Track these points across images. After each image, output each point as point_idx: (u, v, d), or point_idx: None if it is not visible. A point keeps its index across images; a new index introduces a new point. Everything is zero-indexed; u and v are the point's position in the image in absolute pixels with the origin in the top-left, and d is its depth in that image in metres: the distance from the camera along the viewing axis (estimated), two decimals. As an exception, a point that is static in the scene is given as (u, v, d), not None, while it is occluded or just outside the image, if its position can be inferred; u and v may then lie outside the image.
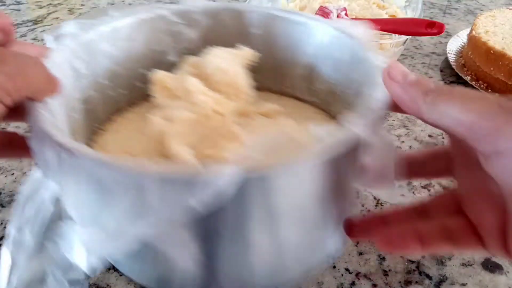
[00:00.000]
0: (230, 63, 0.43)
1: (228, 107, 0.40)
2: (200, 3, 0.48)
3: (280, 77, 0.51)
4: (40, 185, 0.31)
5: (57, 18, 0.90)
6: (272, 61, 0.50)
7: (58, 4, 0.98)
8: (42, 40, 0.80)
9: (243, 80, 0.43)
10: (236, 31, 0.49)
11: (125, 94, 0.48)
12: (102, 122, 0.46)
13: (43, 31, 0.83)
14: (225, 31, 0.49)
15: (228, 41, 0.47)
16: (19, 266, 0.30)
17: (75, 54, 0.39)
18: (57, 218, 0.30)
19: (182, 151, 0.36)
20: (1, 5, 0.94)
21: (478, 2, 1.13)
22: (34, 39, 0.79)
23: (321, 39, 0.45)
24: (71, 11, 0.94)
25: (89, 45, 0.41)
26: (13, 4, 0.96)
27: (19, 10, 0.94)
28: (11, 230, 0.30)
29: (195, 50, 0.48)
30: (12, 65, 0.25)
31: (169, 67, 0.47)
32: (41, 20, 0.89)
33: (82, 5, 0.97)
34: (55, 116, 0.29)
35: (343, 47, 0.42)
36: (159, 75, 0.43)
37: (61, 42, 0.39)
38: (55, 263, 0.29)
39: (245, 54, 0.45)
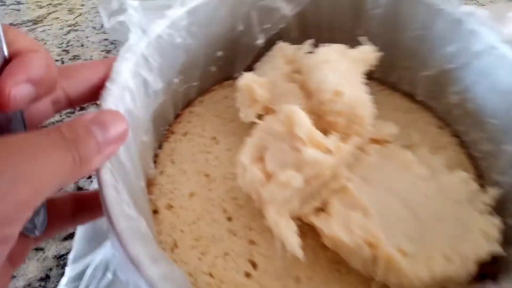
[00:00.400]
0: (349, 79, 0.33)
1: (342, 154, 0.30)
2: None
3: (398, 70, 0.41)
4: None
5: (57, 18, 0.90)
6: (390, 50, 0.38)
7: (58, 4, 0.98)
8: (42, 40, 0.80)
9: (366, 110, 0.32)
10: (347, 9, 0.38)
11: (196, 85, 0.39)
12: (170, 121, 0.39)
13: (43, 31, 0.83)
14: (331, 7, 0.38)
15: (334, 22, 0.39)
16: None
17: (146, 62, 0.31)
18: None
19: (282, 226, 0.28)
20: (1, 5, 0.94)
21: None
22: (34, 39, 0.79)
23: (473, 45, 0.33)
24: (71, 11, 0.94)
25: (161, 42, 0.32)
26: (13, 4, 0.97)
27: (19, 10, 0.93)
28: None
29: (288, 31, 0.39)
30: None
31: (254, 50, 0.39)
32: (41, 20, 0.89)
33: (82, 5, 0.97)
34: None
35: (502, 65, 0.31)
36: (247, 80, 0.34)
37: (126, 47, 0.29)
38: None
39: (367, 58, 0.35)
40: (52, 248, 0.38)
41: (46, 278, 0.36)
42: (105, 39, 0.81)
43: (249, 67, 0.41)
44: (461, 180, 0.33)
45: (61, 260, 0.37)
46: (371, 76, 0.41)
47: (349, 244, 0.28)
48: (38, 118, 0.26)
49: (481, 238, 0.29)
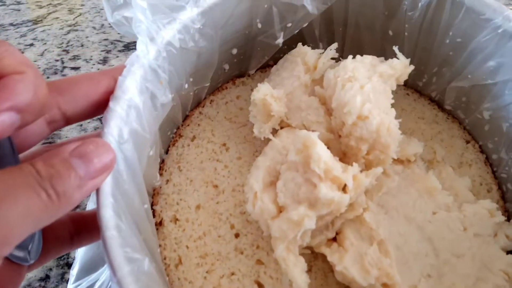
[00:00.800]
0: (377, 101, 0.29)
1: (360, 185, 0.27)
2: None
3: (427, 74, 0.37)
4: None
5: (57, 18, 0.89)
6: (421, 54, 0.36)
7: (58, 4, 0.98)
8: (42, 39, 0.80)
9: (392, 138, 0.29)
10: (381, 7, 0.35)
11: (207, 86, 0.36)
12: (178, 124, 0.36)
13: (43, 31, 0.83)
14: (362, 4, 0.35)
15: (363, 20, 0.35)
16: None
17: (154, 74, 0.27)
18: None
19: (291, 263, 0.26)
20: (1, 5, 0.94)
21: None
22: (34, 39, 0.79)
23: None
24: (71, 11, 0.94)
25: (171, 50, 0.29)
26: (13, 4, 0.96)
27: (19, 10, 0.93)
28: None
29: (311, 29, 0.36)
30: None
31: (272, 49, 0.36)
32: (41, 20, 0.89)
33: (82, 5, 0.97)
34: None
35: None
36: (262, 94, 0.31)
37: (133, 58, 0.26)
38: None
39: (398, 74, 0.31)
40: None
41: (46, 278, 0.36)
42: (105, 39, 0.81)
43: (264, 66, 0.38)
44: (487, 211, 0.31)
45: (61, 260, 0.37)
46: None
47: (362, 283, 0.26)
48: (32, 140, 0.24)
49: (501, 279, 0.28)
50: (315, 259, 0.31)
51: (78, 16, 0.94)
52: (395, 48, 0.33)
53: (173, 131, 0.36)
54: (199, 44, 0.31)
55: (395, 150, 0.30)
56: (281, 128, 0.33)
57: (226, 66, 0.37)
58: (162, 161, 0.35)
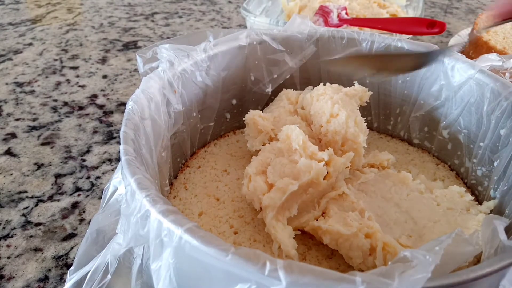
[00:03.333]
0: (344, 106, 0.37)
1: (337, 165, 0.33)
2: (306, 28, 0.44)
3: (391, 117, 0.45)
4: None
5: (56, 17, 0.89)
6: (383, 98, 0.44)
7: (57, 3, 0.98)
8: (41, 39, 0.79)
9: (360, 128, 0.36)
10: (344, 59, 0.44)
11: (212, 126, 0.44)
12: (186, 156, 0.42)
13: (42, 30, 0.82)
14: (330, 60, 0.44)
15: (332, 72, 0.44)
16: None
17: (170, 86, 0.36)
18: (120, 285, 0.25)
19: (279, 229, 0.30)
20: (0, 5, 0.94)
21: (479, 1, 1.13)
22: (33, 38, 0.79)
23: (453, 79, 0.38)
24: (70, 10, 0.94)
25: (184, 76, 0.38)
26: (12, 3, 0.96)
27: (18, 9, 0.93)
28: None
29: (292, 81, 0.45)
30: None
31: (263, 98, 0.45)
32: (40, 20, 0.88)
33: (81, 4, 0.96)
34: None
35: (482, 92, 0.36)
36: (252, 114, 0.39)
37: (156, 71, 0.35)
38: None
39: (359, 95, 0.40)
40: (51, 249, 0.38)
41: (45, 279, 0.36)
42: (104, 39, 0.81)
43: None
44: (457, 193, 0.35)
45: (60, 261, 0.37)
46: (370, 126, 0.47)
47: (347, 233, 0.29)
48: None
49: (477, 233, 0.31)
50: (309, 250, 0.33)
51: (77, 15, 0.93)
52: (355, 82, 0.41)
53: (182, 161, 0.42)
54: (206, 81, 0.40)
55: (364, 140, 0.36)
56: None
57: (228, 115, 0.46)
58: (171, 184, 0.40)
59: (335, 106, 0.37)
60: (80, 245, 0.27)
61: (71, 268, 0.27)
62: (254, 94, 0.45)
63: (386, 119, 0.46)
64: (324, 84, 0.41)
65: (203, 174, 0.41)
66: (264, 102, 0.46)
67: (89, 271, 0.25)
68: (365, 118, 0.45)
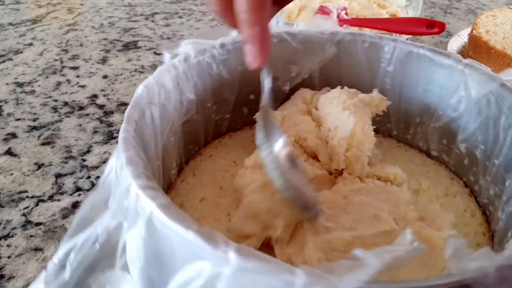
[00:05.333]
0: (355, 112, 0.37)
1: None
2: (328, 28, 0.43)
3: (411, 126, 0.44)
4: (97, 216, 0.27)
5: (56, 17, 0.89)
6: (404, 106, 0.43)
7: (57, 3, 0.97)
8: (41, 39, 0.79)
9: (366, 136, 0.36)
10: (365, 66, 0.43)
11: (227, 118, 0.45)
12: (200, 145, 0.44)
13: (42, 30, 0.82)
14: (351, 63, 0.44)
15: (353, 78, 0.43)
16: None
17: (185, 75, 0.37)
18: (107, 258, 0.26)
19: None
20: (0, 5, 0.94)
21: (478, 1, 1.12)
22: (33, 38, 0.79)
23: (475, 92, 0.37)
24: (70, 10, 0.94)
25: (200, 67, 0.39)
26: (12, 3, 0.96)
27: (18, 9, 0.93)
28: (54, 260, 0.27)
29: (312, 82, 0.45)
30: None
31: (281, 96, 0.44)
32: (40, 20, 0.88)
33: (82, 4, 0.97)
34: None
35: (501, 107, 0.34)
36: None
37: (171, 62, 0.37)
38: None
39: (376, 103, 0.39)
40: (51, 249, 0.38)
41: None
42: (104, 39, 0.81)
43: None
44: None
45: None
46: (389, 134, 0.46)
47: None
48: None
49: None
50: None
51: (77, 15, 0.94)
52: (375, 90, 0.40)
53: (195, 149, 0.43)
54: (223, 73, 0.41)
55: (369, 148, 0.35)
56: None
57: (245, 110, 0.46)
58: (182, 169, 0.42)
59: (346, 111, 0.36)
60: (73, 220, 0.28)
61: (64, 237, 0.28)
62: (273, 91, 0.45)
63: (406, 127, 0.45)
64: (342, 88, 0.41)
65: (212, 163, 0.42)
66: (281, 99, 0.46)
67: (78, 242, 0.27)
68: (384, 125, 0.45)
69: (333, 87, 0.42)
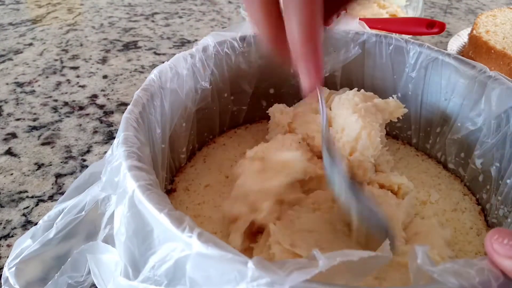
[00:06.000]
0: (365, 116, 0.36)
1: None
2: (353, 28, 0.43)
3: (431, 135, 0.43)
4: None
5: (56, 17, 0.89)
6: (424, 114, 0.42)
7: (57, 3, 0.97)
8: (41, 39, 0.79)
9: (372, 142, 0.35)
10: (389, 69, 0.43)
11: (245, 110, 0.46)
12: (215, 133, 0.45)
13: (42, 30, 0.82)
14: (374, 65, 0.43)
15: (376, 80, 0.43)
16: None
17: (201, 64, 0.38)
18: (90, 226, 0.28)
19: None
20: (0, 5, 0.94)
21: (478, 1, 1.12)
22: (33, 38, 0.79)
23: (495, 106, 0.35)
24: (70, 10, 0.94)
25: (218, 57, 0.40)
26: (12, 3, 0.96)
27: (18, 9, 0.93)
28: (44, 218, 0.29)
29: (334, 81, 0.45)
30: None
31: (299, 93, 0.43)
32: (40, 20, 0.88)
33: (81, 4, 0.96)
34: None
35: None
36: (274, 108, 0.41)
37: (189, 50, 0.38)
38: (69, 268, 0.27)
39: (391, 110, 0.38)
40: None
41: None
42: (104, 39, 0.81)
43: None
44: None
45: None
46: (409, 142, 0.45)
47: None
48: None
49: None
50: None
51: (77, 15, 0.93)
52: (394, 96, 0.40)
53: (209, 136, 0.45)
54: (241, 65, 0.42)
55: (373, 154, 0.35)
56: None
57: (264, 103, 0.47)
58: (194, 154, 0.43)
59: (355, 114, 0.36)
60: (72, 183, 0.30)
61: (59, 200, 0.29)
62: (293, 87, 0.45)
63: (426, 136, 0.44)
64: (359, 90, 0.40)
65: (223, 152, 0.43)
66: (300, 96, 0.45)
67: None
68: (404, 132, 0.44)
69: (353, 88, 0.42)
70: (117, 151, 0.26)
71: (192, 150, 0.42)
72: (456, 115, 0.39)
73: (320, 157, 0.38)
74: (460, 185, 0.41)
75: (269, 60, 0.43)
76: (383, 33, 0.43)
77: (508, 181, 0.34)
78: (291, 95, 0.46)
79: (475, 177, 0.39)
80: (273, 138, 0.39)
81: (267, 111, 0.43)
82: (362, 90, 0.40)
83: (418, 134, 0.44)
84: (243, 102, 0.45)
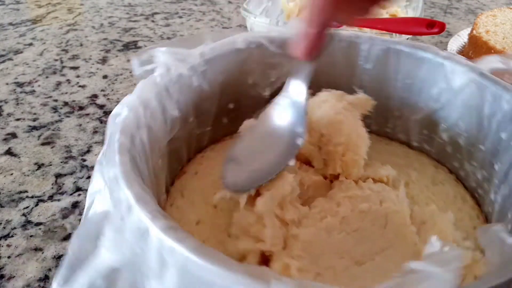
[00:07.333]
0: (346, 114, 0.37)
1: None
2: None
3: (392, 120, 0.45)
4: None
5: (56, 17, 0.89)
6: (383, 101, 0.43)
7: (57, 3, 0.97)
8: (41, 39, 0.79)
9: (362, 141, 0.36)
10: (343, 64, 0.43)
11: (208, 131, 0.43)
12: (183, 162, 0.42)
13: (42, 30, 0.82)
14: (330, 63, 0.43)
15: (331, 78, 0.43)
16: None
17: (167, 92, 0.35)
18: None
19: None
20: (0, 5, 0.94)
21: (478, 1, 1.13)
22: (33, 38, 0.79)
23: (453, 82, 0.38)
24: (70, 10, 0.94)
25: (181, 81, 0.37)
26: (12, 3, 0.96)
27: (18, 9, 0.93)
28: None
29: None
30: None
31: (261, 102, 0.43)
32: (40, 20, 0.88)
33: (81, 4, 0.96)
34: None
35: (483, 95, 0.35)
36: (245, 125, 0.39)
37: (152, 77, 0.35)
38: None
39: (363, 104, 0.39)
40: (51, 249, 0.38)
41: (45, 278, 0.36)
42: (104, 39, 0.81)
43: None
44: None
45: (60, 260, 0.37)
46: (368, 128, 0.45)
47: None
48: None
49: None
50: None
51: (77, 15, 0.93)
52: (358, 91, 0.41)
53: (178, 167, 0.41)
54: (203, 85, 0.39)
55: (365, 151, 0.36)
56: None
57: (225, 120, 0.44)
58: (168, 191, 0.39)
59: (338, 115, 0.36)
60: (64, 260, 0.25)
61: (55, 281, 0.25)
62: (252, 98, 0.44)
63: (385, 122, 0.45)
64: (319, 90, 0.40)
65: (199, 181, 0.40)
66: (262, 106, 0.44)
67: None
68: (363, 120, 0.44)
69: (312, 88, 0.40)
70: (135, 214, 0.23)
71: (166, 187, 0.38)
72: (416, 98, 0.42)
73: (307, 163, 0.38)
74: (429, 159, 0.43)
75: (228, 74, 0.41)
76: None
77: (481, 147, 0.36)
78: (250, 106, 0.44)
79: (443, 149, 0.42)
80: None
81: (230, 128, 0.41)
82: (333, 90, 0.40)
83: (377, 120, 0.46)
84: (207, 123, 0.42)
